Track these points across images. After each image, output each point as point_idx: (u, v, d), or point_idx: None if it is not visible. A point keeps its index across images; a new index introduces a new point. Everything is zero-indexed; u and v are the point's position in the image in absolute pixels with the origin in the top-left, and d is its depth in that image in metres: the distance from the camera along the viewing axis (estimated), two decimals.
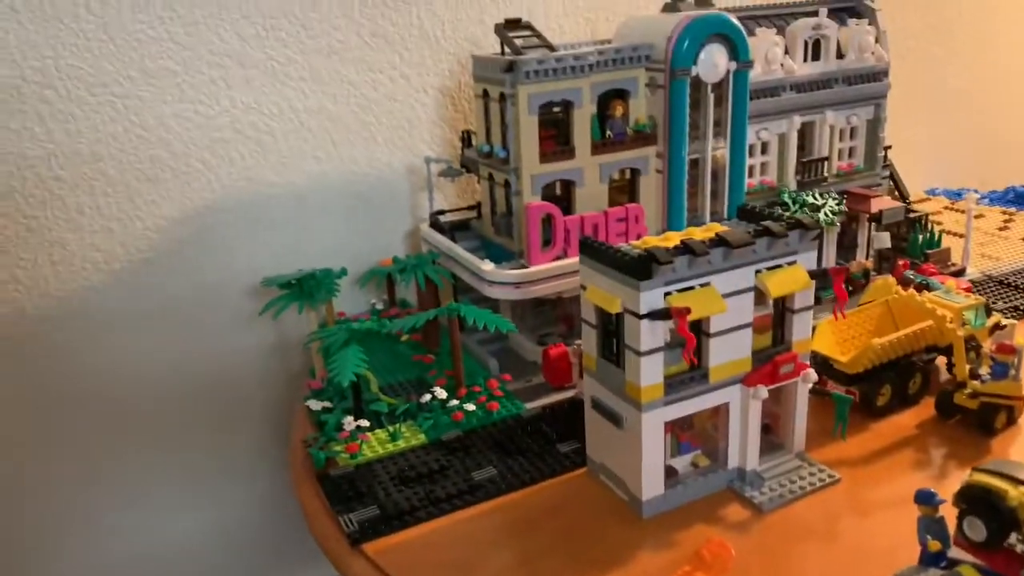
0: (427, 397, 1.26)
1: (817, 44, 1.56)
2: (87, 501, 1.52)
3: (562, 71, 1.30)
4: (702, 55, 1.37)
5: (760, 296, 1.00)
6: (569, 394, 1.30)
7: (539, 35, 1.39)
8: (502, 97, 1.34)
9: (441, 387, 1.29)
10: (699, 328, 0.98)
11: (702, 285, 0.95)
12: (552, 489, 1.09)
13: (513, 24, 1.40)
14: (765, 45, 1.48)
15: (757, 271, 0.99)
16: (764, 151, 1.58)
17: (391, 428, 1.20)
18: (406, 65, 1.59)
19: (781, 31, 1.54)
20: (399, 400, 1.28)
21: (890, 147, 1.73)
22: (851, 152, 1.67)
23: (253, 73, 1.46)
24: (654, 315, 0.92)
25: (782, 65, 1.52)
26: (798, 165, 1.60)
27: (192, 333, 1.53)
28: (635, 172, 1.43)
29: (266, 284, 1.38)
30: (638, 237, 1.39)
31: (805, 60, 1.56)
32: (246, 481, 1.66)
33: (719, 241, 0.95)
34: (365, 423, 1.20)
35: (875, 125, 1.67)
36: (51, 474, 1.48)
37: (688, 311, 0.89)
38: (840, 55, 1.58)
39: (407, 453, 1.17)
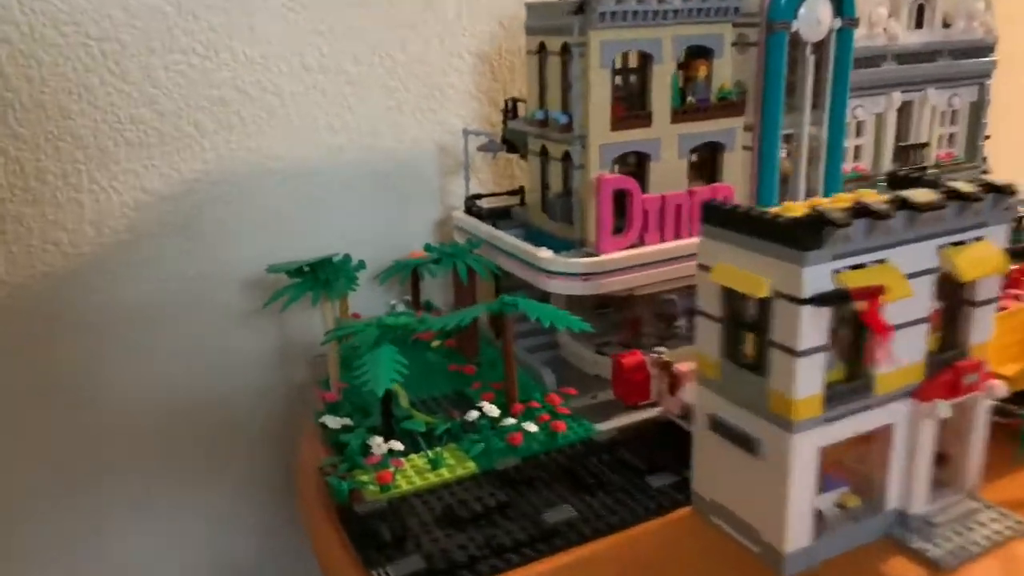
0: (474, 415, 1.00)
1: (921, 9, 1.34)
2: (60, 525, 1.24)
3: (642, 15, 1.07)
4: (803, 8, 1.14)
5: None
6: (647, 413, 1.04)
7: None
8: (564, 49, 1.10)
9: (489, 402, 1.03)
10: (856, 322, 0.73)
11: (877, 262, 0.71)
12: (650, 536, 0.83)
13: None
14: (869, 4, 1.26)
15: (939, 247, 0.74)
16: (859, 132, 1.35)
17: (431, 453, 0.94)
18: (439, 22, 1.35)
19: None
20: (438, 418, 1.02)
21: (988, 137, 1.50)
22: (951, 139, 1.44)
23: (260, 20, 1.21)
24: (823, 299, 0.67)
25: (885, 30, 1.30)
26: (895, 150, 1.37)
27: (176, 334, 1.26)
28: (716, 147, 1.19)
29: (272, 271, 1.12)
30: None
31: (907, 27, 1.33)
32: (241, 518, 1.38)
33: (902, 203, 0.70)
34: (398, 445, 0.94)
35: (978, 109, 1.44)
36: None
37: (881, 291, 0.65)
38: (946, 24, 1.36)
39: (453, 485, 0.91)
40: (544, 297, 1.17)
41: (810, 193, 1.25)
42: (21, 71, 1.09)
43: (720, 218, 0.75)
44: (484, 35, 1.39)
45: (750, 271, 0.71)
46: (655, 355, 1.06)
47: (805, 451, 0.72)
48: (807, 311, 0.67)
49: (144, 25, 1.14)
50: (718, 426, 0.79)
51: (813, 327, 0.68)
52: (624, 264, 1.07)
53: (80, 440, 1.23)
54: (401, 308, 1.38)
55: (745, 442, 0.76)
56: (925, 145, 1.39)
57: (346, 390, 1.10)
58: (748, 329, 0.74)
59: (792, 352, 0.69)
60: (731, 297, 0.75)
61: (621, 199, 1.09)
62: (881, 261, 0.71)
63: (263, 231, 1.29)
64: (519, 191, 1.37)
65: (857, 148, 1.35)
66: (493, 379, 1.13)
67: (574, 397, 1.07)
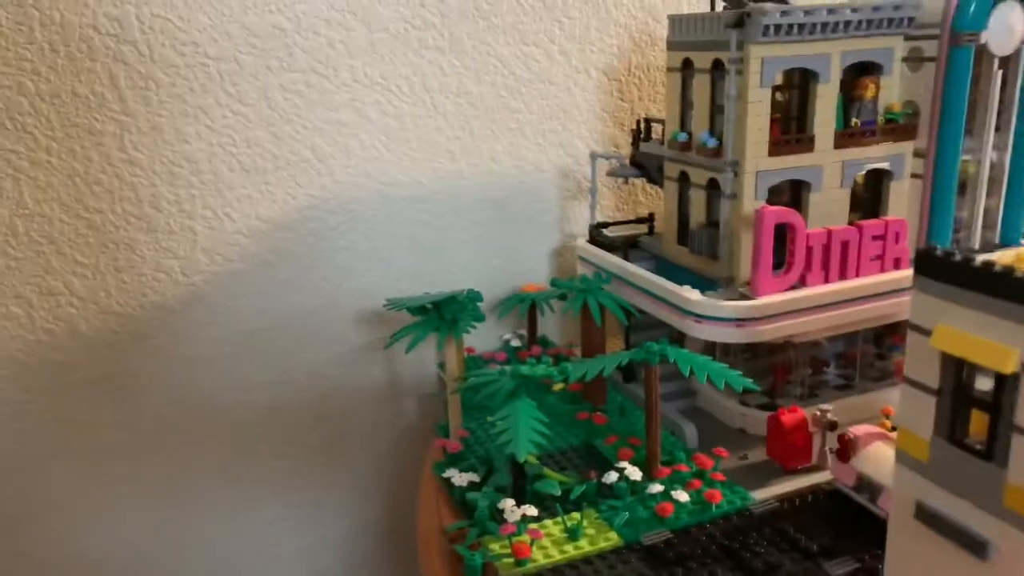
0: (612, 476, 0.89)
1: None
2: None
3: (810, 29, 0.94)
4: (993, 16, 0.99)
5: None
6: (809, 478, 0.92)
7: None
8: (716, 66, 0.99)
9: (629, 461, 0.92)
10: None
11: None
12: None
13: None
14: None
15: None
16: None
17: (568, 520, 0.83)
18: (566, 38, 1.25)
19: None
20: (571, 477, 0.91)
21: None
22: None
23: (381, 37, 1.14)
24: None
25: None
26: None
27: (285, 368, 1.20)
28: (881, 175, 1.06)
29: (393, 307, 1.03)
30: (896, 263, 1.02)
31: None
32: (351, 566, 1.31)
33: None
34: (532, 511, 0.84)
35: None
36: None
37: None
38: None
39: (595, 560, 0.80)
40: (679, 338, 1.06)
41: (986, 230, 1.10)
42: (138, 92, 1.04)
43: (944, 270, 0.62)
44: (612, 50, 1.29)
45: (990, 338, 0.58)
46: (818, 413, 0.93)
47: None
48: None
49: (263, 43, 1.08)
50: (928, 517, 0.66)
51: None
52: (785, 308, 0.95)
53: (176, 474, 1.18)
54: (516, 344, 1.29)
55: (969, 542, 0.62)
56: None
57: (467, 439, 1.01)
58: (979, 407, 0.61)
59: None
60: (955, 367, 0.62)
61: (777, 234, 0.97)
62: None
63: (379, 260, 1.21)
64: (648, 219, 1.26)
65: None
66: (626, 431, 1.02)
67: (722, 458, 0.95)
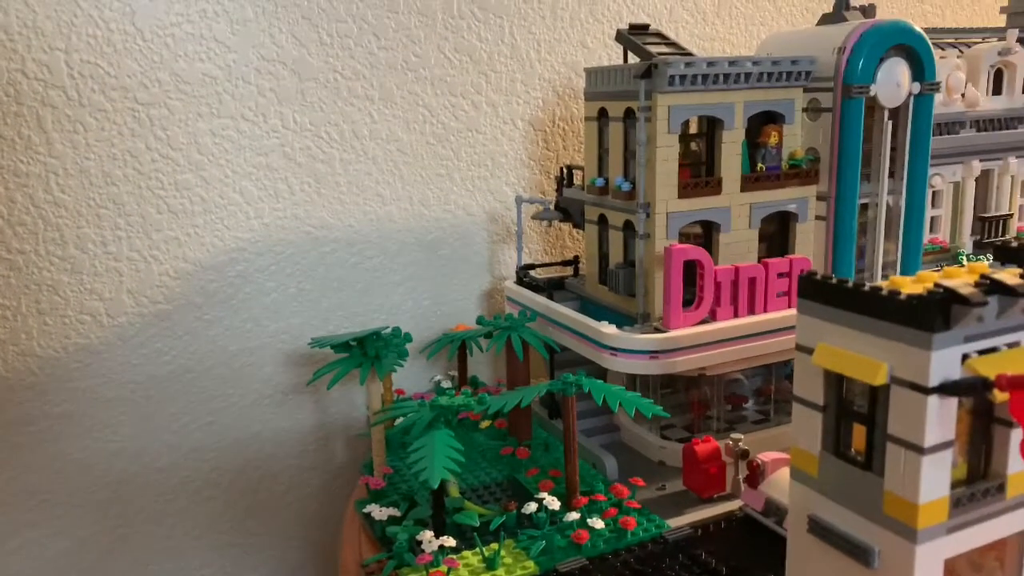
0: (532, 507, 0.91)
1: (999, 75, 1.27)
2: None
3: (713, 79, 1.01)
4: (881, 72, 1.08)
5: None
6: (722, 507, 0.95)
7: (673, 42, 1.11)
8: (628, 115, 1.05)
9: (548, 492, 0.94)
10: (986, 412, 0.64)
11: (1009, 345, 0.62)
12: None
13: (639, 30, 1.12)
14: (946, 69, 1.19)
15: None
16: (935, 203, 1.27)
17: (486, 551, 0.84)
18: (493, 90, 1.31)
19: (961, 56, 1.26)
20: (492, 509, 0.93)
21: None
22: None
23: (311, 87, 1.18)
24: (956, 388, 0.58)
25: (963, 95, 1.23)
26: (975, 223, 1.29)
27: (211, 410, 1.19)
28: (787, 217, 1.12)
29: (316, 345, 1.05)
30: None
31: (987, 92, 1.26)
32: None
33: None
34: (450, 541, 0.85)
35: None
36: None
37: None
38: None
39: None
40: (601, 375, 1.09)
41: (886, 268, 1.17)
42: (66, 136, 1.06)
43: (823, 293, 0.66)
44: (537, 102, 1.35)
45: (863, 353, 0.63)
46: (731, 443, 0.97)
47: (929, 563, 0.62)
48: (934, 401, 0.59)
49: (193, 90, 1.11)
50: (820, 530, 0.69)
51: (940, 420, 0.59)
52: (696, 341, 0.99)
53: (99, 525, 1.16)
54: (447, 384, 1.31)
55: (855, 551, 0.66)
56: (1009, 216, 1.30)
57: (391, 476, 1.01)
58: (857, 420, 0.65)
59: (916, 449, 0.60)
60: (836, 382, 0.67)
61: (688, 271, 1.01)
62: (1014, 344, 0.62)
63: (307, 302, 1.23)
64: (573, 261, 1.30)
65: (934, 219, 1.27)
66: (549, 465, 1.04)
67: (640, 488, 0.98)
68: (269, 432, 1.23)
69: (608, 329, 1.01)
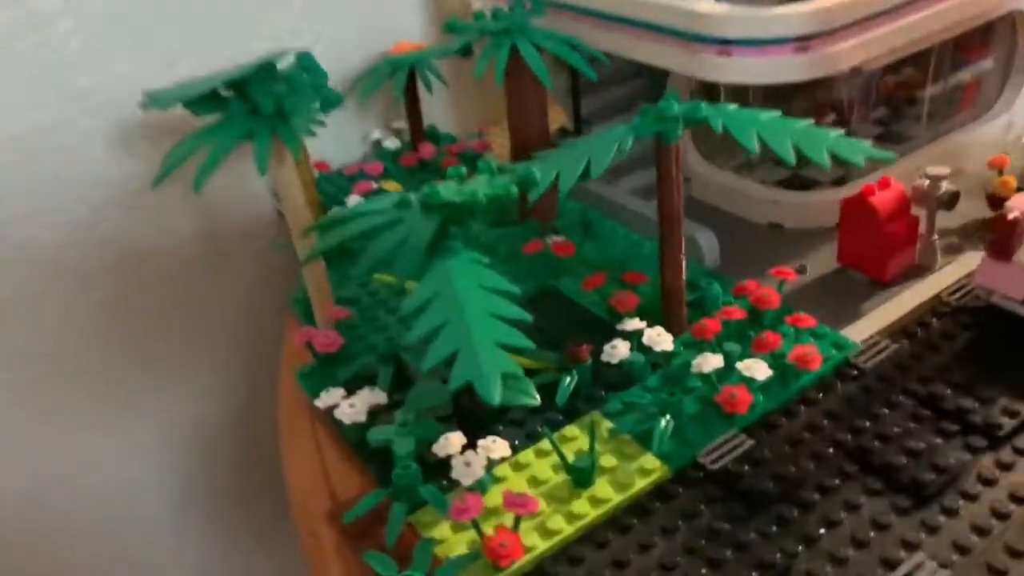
0: (619, 348, 0.50)
1: None
2: None
3: None
4: None
5: None
6: (914, 294, 0.56)
7: None
8: None
9: (634, 313, 0.53)
10: None
11: None
12: None
13: None
14: None
15: None
16: None
17: (564, 449, 0.45)
18: None
19: None
20: (546, 360, 0.51)
21: None
22: None
23: None
24: None
25: None
26: None
27: None
28: None
29: (154, 106, 0.53)
30: None
31: None
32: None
33: None
34: (499, 447, 0.44)
35: None
36: None
37: None
38: None
39: (622, 517, 0.43)
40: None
41: None
42: None
43: None
44: None
45: None
46: (926, 180, 0.56)
47: None
48: None
49: None
50: None
51: None
52: (859, 14, 0.54)
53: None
54: (392, 144, 0.84)
55: None
56: None
57: (350, 321, 0.58)
58: None
59: None
60: None
61: None
62: None
63: (133, 40, 0.70)
64: None
65: None
66: (611, 262, 0.62)
67: (785, 282, 0.57)
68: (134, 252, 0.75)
69: (717, 7, 0.54)
